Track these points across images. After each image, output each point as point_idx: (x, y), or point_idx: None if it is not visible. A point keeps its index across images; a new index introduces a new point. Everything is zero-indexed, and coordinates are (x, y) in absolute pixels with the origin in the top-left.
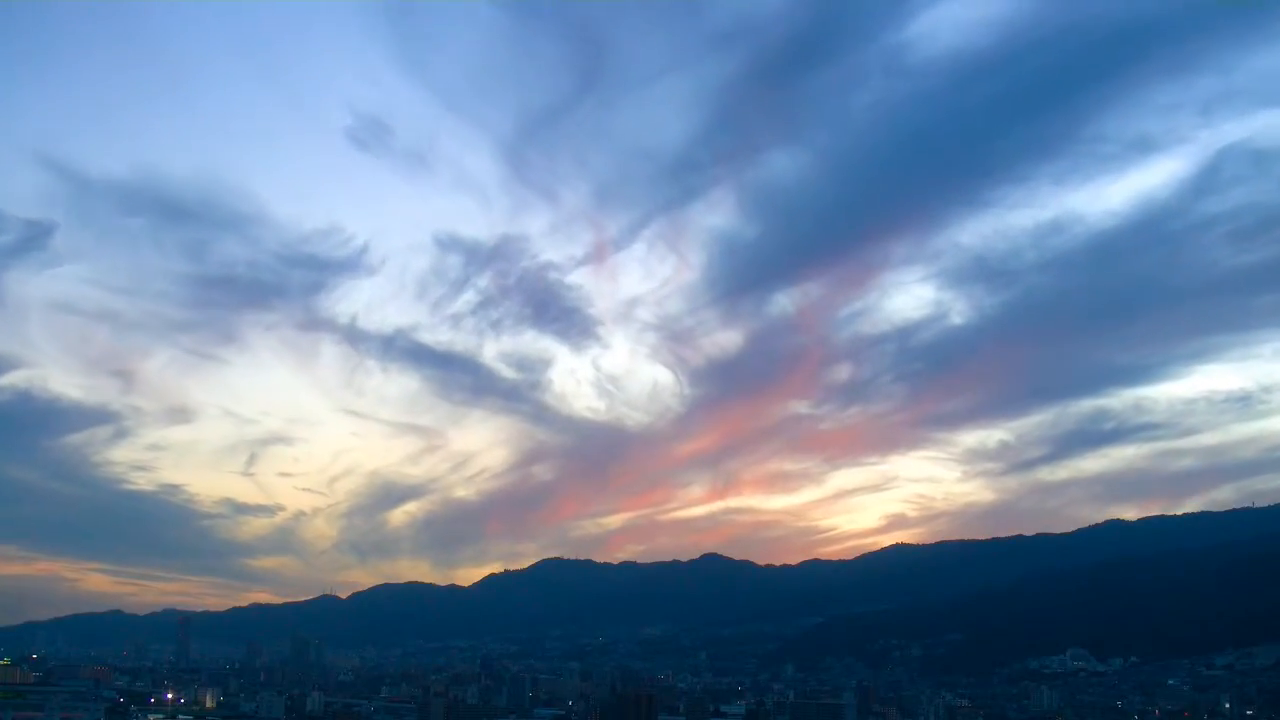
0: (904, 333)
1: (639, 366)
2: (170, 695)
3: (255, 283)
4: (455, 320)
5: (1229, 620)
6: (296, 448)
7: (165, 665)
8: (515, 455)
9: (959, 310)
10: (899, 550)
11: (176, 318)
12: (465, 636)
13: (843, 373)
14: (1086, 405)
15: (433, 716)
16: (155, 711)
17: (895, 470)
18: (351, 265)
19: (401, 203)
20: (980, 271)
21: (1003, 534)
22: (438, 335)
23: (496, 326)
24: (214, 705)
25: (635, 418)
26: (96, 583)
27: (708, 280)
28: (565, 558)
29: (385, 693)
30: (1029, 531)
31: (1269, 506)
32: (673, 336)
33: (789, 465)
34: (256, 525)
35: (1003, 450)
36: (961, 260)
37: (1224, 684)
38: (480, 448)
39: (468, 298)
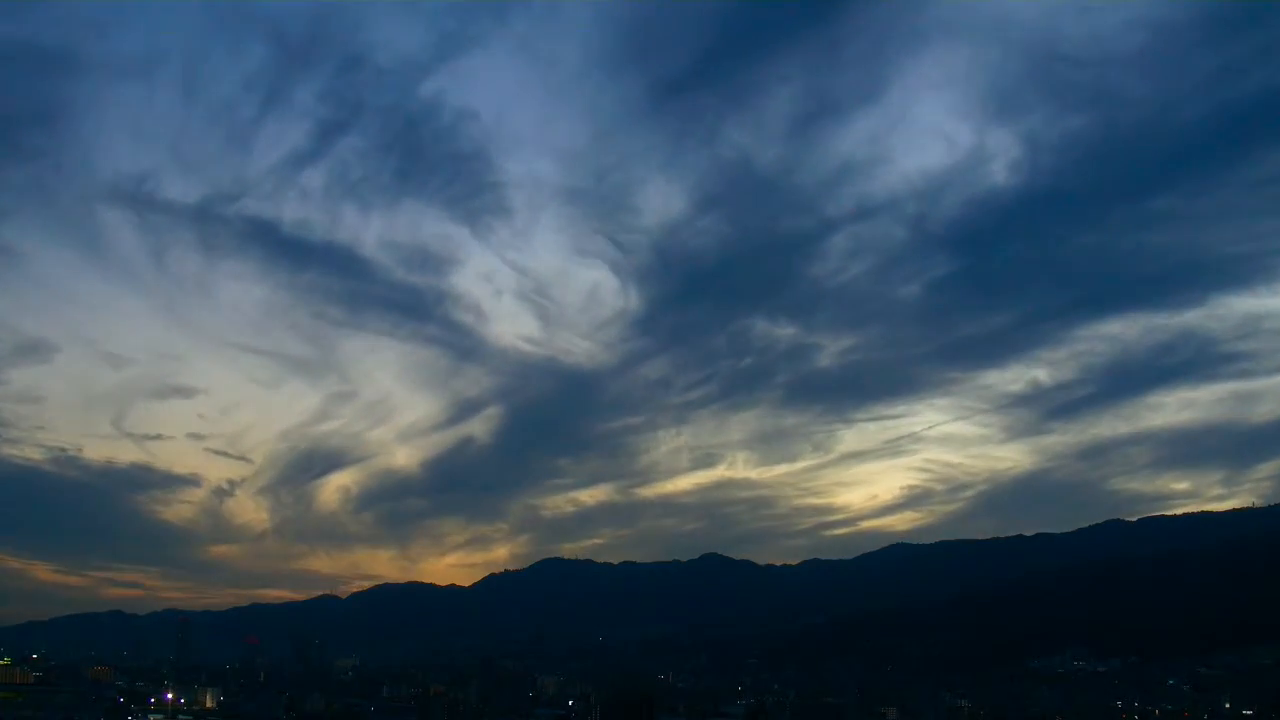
0: (923, 195)
1: (569, 266)
2: (170, 695)
3: None
4: (289, 178)
5: (1229, 620)
6: (193, 402)
7: (165, 665)
8: (443, 404)
9: (1005, 155)
10: (899, 549)
11: None
12: (465, 636)
13: (835, 265)
14: (1165, 324)
15: (433, 716)
16: (155, 712)
17: (910, 425)
18: (76, 57)
19: None
20: (1038, 77)
21: (1016, 525)
22: (279, 207)
23: (358, 191)
24: (214, 705)
25: (581, 348)
26: (44, 575)
27: (610, 70)
28: (565, 557)
29: (385, 693)
30: (1029, 531)
31: (1269, 506)
32: (596, 199)
33: (783, 420)
34: (184, 506)
35: (1043, 394)
36: (1011, 48)
37: (1224, 684)
38: (395, 393)
39: (295, 129)
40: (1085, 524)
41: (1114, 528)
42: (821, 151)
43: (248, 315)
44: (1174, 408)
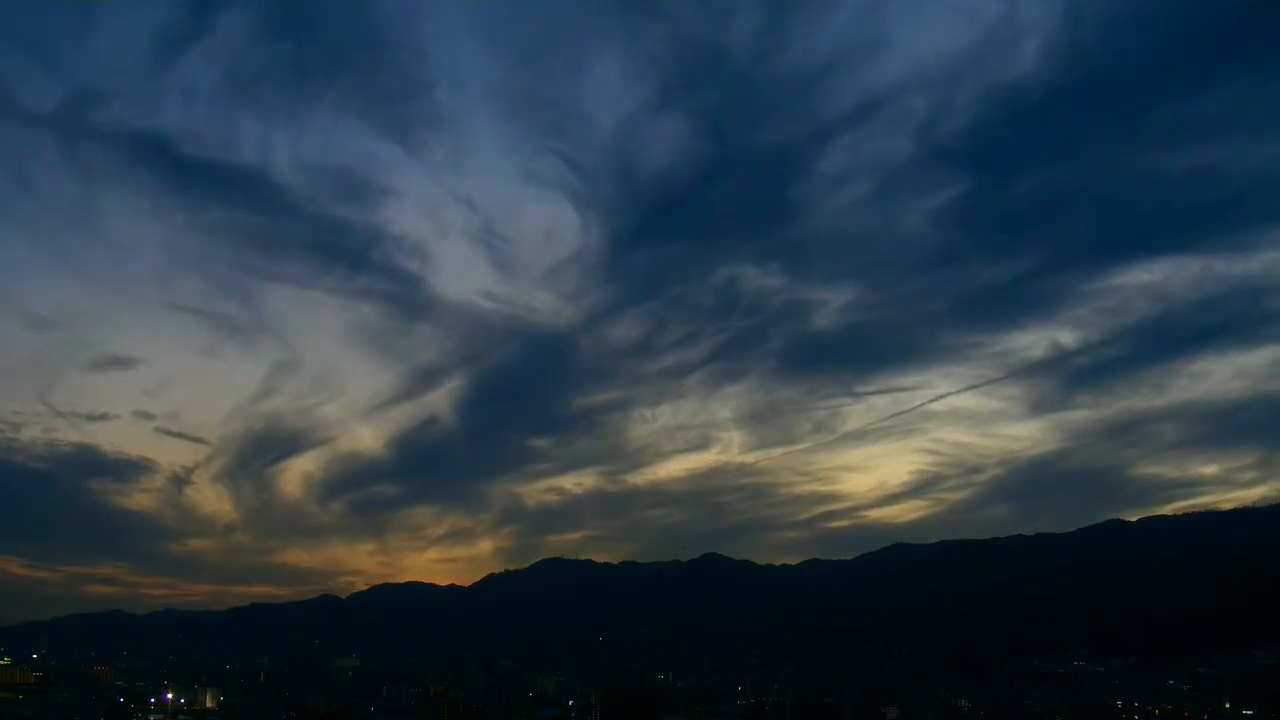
0: (934, 88)
1: (520, 197)
2: (170, 696)
3: None
4: (163, 69)
5: (1229, 620)
6: (132, 374)
7: (165, 665)
8: (398, 373)
9: (1037, 29)
10: (899, 550)
11: None
12: (465, 636)
13: (829, 188)
14: (1223, 271)
15: (433, 716)
16: (155, 712)
17: (919, 398)
18: None
19: None
20: None
21: (1029, 516)
22: (159, 113)
23: (255, 90)
24: (214, 705)
25: (544, 303)
26: (15, 570)
27: None
28: (565, 557)
29: (385, 693)
30: (1029, 531)
31: (1269, 506)
32: (541, 103)
33: (779, 394)
34: (143, 495)
35: (1066, 359)
36: None
37: (1224, 684)
38: (342, 361)
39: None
40: (1086, 524)
41: (1114, 528)
42: (804, 31)
43: (148, 263)
44: (1221, 375)
